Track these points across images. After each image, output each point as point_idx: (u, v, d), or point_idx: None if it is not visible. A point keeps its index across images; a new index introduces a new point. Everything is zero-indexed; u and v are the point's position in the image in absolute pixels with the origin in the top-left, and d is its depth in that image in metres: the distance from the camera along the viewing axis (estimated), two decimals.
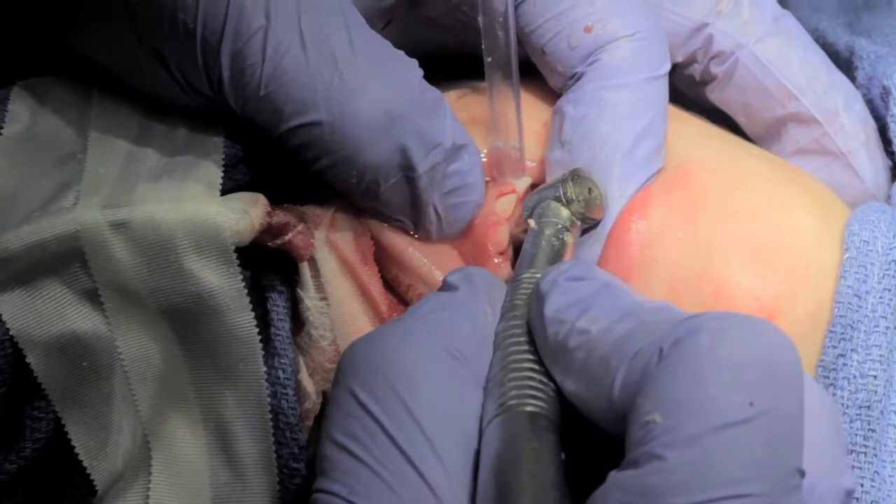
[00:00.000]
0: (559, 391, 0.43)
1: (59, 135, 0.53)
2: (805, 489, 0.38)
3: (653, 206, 0.53)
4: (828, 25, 0.66)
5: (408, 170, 0.52)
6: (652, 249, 0.52)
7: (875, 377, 0.48)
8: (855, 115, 0.60)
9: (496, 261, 0.54)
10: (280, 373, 0.52)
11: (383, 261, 0.55)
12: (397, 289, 0.54)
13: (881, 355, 0.49)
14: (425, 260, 0.54)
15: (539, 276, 0.47)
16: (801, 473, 0.37)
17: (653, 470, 0.37)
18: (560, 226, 0.51)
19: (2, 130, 0.53)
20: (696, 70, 0.61)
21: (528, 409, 0.42)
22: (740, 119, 0.62)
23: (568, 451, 0.41)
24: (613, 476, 0.38)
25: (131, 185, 0.50)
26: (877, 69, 0.61)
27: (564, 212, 0.51)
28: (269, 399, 0.52)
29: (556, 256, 0.50)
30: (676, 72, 0.61)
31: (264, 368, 0.51)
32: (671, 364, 0.38)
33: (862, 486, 0.47)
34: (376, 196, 0.53)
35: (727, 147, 0.59)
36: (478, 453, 0.42)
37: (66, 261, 0.49)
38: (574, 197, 0.51)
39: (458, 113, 0.54)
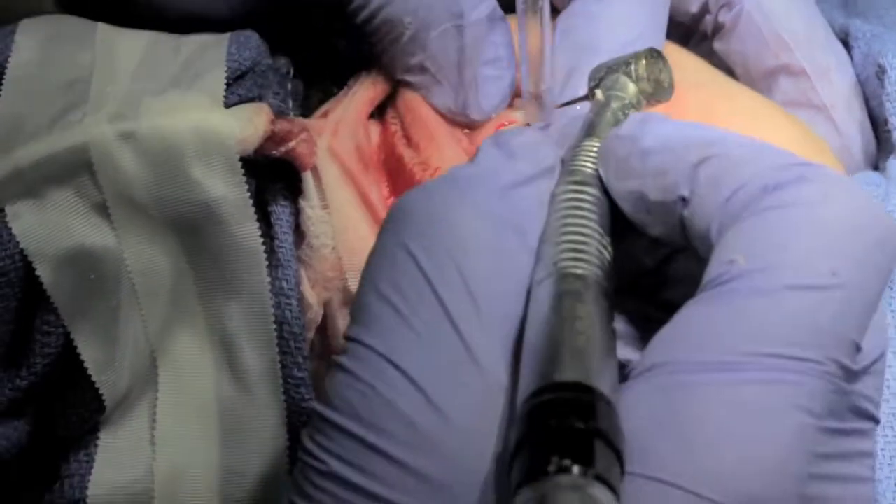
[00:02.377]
0: (613, 260, 0.42)
1: (65, 61, 0.54)
2: (861, 357, 0.38)
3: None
4: (823, 6, 0.67)
5: (457, 17, 0.54)
6: None
7: None
8: (846, 77, 0.62)
9: None
10: (284, 283, 0.53)
11: (415, 139, 0.56)
12: (425, 173, 0.55)
13: None
14: (461, 135, 0.56)
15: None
16: (858, 348, 0.38)
17: (721, 314, 0.37)
18: (627, 101, 0.50)
19: (9, 59, 0.54)
20: (708, 22, 0.63)
21: (584, 272, 0.40)
22: (738, 70, 0.64)
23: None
24: (680, 315, 0.38)
25: (137, 100, 0.52)
26: (872, 48, 0.62)
27: (632, 88, 0.50)
28: (272, 310, 0.53)
29: None
30: (691, 26, 0.64)
31: (268, 279, 0.53)
32: (771, 210, 0.38)
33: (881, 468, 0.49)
34: (425, 45, 0.55)
35: (715, 74, 0.61)
36: (522, 325, 0.41)
37: (75, 173, 0.51)
38: (645, 75, 0.51)
39: None
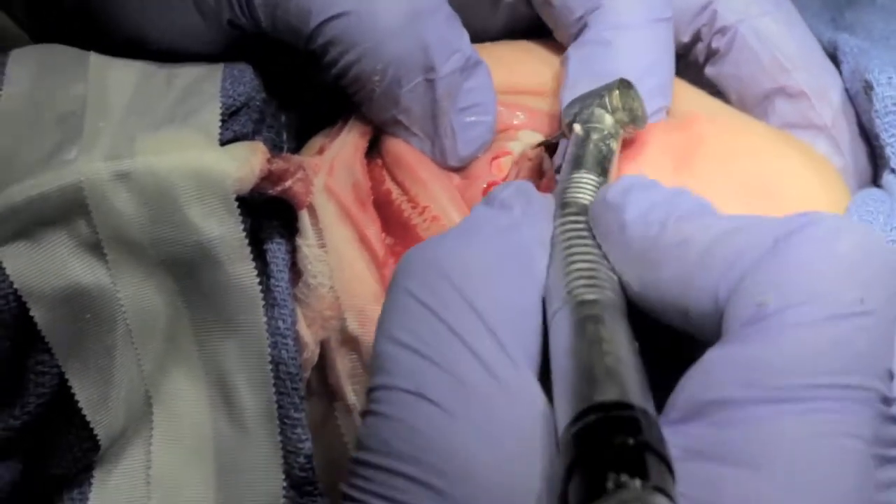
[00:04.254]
0: (623, 285, 0.43)
1: (58, 94, 0.54)
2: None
3: (651, 140, 0.55)
4: (811, 22, 0.67)
5: (428, 71, 0.54)
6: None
7: None
8: (841, 95, 0.62)
9: None
10: (280, 323, 0.53)
11: (399, 178, 0.56)
12: (413, 210, 0.55)
13: None
14: (442, 174, 0.56)
15: (590, 176, 0.47)
16: (891, 376, 0.39)
17: (764, 350, 0.38)
18: (606, 132, 0.51)
19: (0, 92, 0.54)
20: (700, 50, 0.63)
21: (599, 297, 0.41)
22: (732, 97, 0.64)
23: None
24: (714, 352, 0.39)
25: (131, 136, 0.51)
26: (860, 63, 0.62)
27: (609, 119, 0.51)
28: (269, 350, 0.53)
29: (604, 161, 0.50)
30: (682, 56, 0.63)
31: (265, 319, 0.52)
32: (788, 252, 0.39)
33: None
34: (397, 100, 0.54)
35: (726, 108, 0.61)
36: (543, 347, 0.42)
37: (70, 213, 0.50)
38: (619, 105, 0.52)
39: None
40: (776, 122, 0.62)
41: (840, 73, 0.64)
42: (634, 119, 0.52)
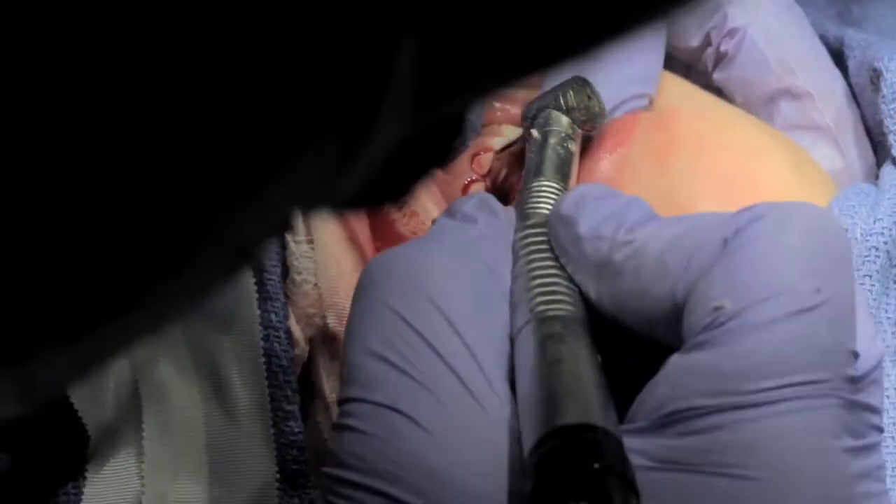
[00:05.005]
0: (585, 298, 0.43)
1: None
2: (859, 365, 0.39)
3: (634, 134, 0.55)
4: (816, 18, 0.66)
5: None
6: (622, 173, 0.54)
7: None
8: (846, 98, 0.63)
9: None
10: (272, 316, 0.53)
11: None
12: (399, 210, 0.56)
13: None
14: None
15: (550, 184, 0.47)
16: (856, 356, 0.39)
17: (724, 355, 0.38)
18: (563, 134, 0.51)
19: None
20: (709, 55, 0.63)
21: (560, 312, 0.41)
22: (738, 99, 0.64)
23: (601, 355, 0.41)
24: (677, 359, 0.39)
25: None
26: (867, 54, 0.62)
27: (565, 120, 0.51)
28: (262, 343, 0.53)
29: (563, 165, 0.50)
30: (690, 66, 0.64)
31: (258, 312, 0.53)
32: (738, 251, 0.39)
33: None
34: None
35: (718, 105, 0.62)
36: (512, 362, 0.42)
37: None
38: (575, 105, 0.52)
39: None
40: (780, 124, 0.62)
41: (846, 70, 0.64)
42: (592, 117, 0.52)
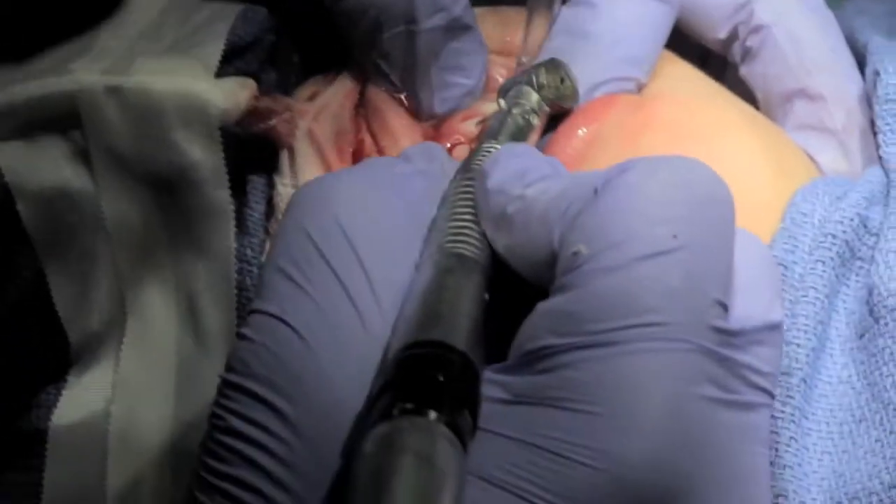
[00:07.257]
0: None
1: None
2: (737, 321, 0.40)
3: (609, 113, 0.55)
4: (865, 29, 0.65)
5: (410, 22, 0.56)
6: (592, 149, 0.54)
7: (798, 345, 0.48)
8: (861, 108, 0.62)
9: None
10: (248, 251, 0.55)
11: (374, 129, 0.58)
12: None
13: (807, 325, 0.49)
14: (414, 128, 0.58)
15: (498, 146, 0.49)
16: (723, 307, 0.39)
17: (575, 297, 0.39)
18: (528, 107, 0.53)
19: None
20: (736, 49, 0.63)
21: (459, 250, 0.43)
22: (759, 95, 0.64)
23: (495, 299, 0.43)
24: (541, 305, 0.40)
25: (133, 58, 0.55)
26: (874, 58, 0.61)
27: (534, 96, 0.54)
28: (235, 275, 0.55)
29: (520, 134, 0.52)
30: (720, 57, 0.64)
31: (235, 245, 0.55)
32: (600, 199, 0.40)
33: (776, 450, 0.47)
34: (377, 44, 0.57)
35: (706, 89, 0.61)
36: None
37: (64, 119, 0.53)
38: (546, 83, 0.54)
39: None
40: (792, 123, 0.62)
41: (864, 74, 0.63)
42: (561, 97, 0.54)
